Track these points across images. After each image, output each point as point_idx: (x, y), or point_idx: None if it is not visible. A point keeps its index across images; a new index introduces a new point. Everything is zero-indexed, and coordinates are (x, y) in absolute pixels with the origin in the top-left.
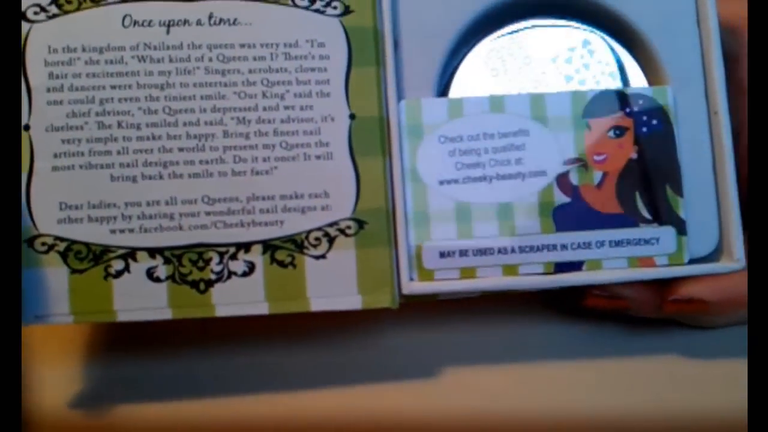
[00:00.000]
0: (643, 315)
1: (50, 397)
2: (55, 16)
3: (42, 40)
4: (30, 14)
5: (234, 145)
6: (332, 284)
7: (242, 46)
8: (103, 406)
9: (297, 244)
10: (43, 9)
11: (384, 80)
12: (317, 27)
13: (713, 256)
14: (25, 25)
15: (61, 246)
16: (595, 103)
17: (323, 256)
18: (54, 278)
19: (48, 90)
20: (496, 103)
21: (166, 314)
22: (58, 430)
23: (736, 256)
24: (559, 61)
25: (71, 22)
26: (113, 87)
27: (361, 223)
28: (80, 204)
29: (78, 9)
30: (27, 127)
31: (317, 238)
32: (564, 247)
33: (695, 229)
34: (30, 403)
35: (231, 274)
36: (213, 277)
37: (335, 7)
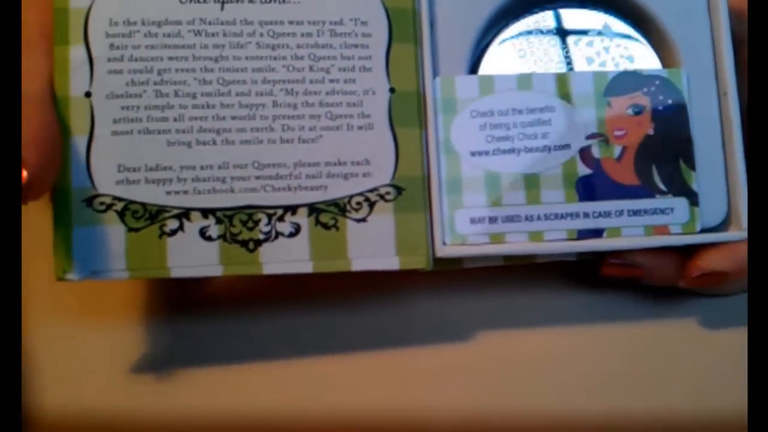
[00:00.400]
0: (656, 284)
1: (51, 397)
2: None
3: (104, 13)
4: None
5: (282, 114)
6: (372, 246)
7: (291, 23)
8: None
9: (340, 207)
10: None
11: (421, 57)
12: (360, 6)
13: (722, 226)
14: None
15: (119, 205)
16: (615, 83)
17: (364, 220)
18: (111, 236)
19: (109, 60)
20: (525, 81)
21: (217, 271)
22: (58, 430)
23: (744, 226)
24: (581, 44)
25: None
26: (170, 58)
27: (399, 189)
28: (138, 167)
29: None
30: (88, 94)
31: (359, 203)
32: (586, 215)
33: (706, 200)
34: (30, 402)
35: (278, 234)
36: (261, 237)
37: None
